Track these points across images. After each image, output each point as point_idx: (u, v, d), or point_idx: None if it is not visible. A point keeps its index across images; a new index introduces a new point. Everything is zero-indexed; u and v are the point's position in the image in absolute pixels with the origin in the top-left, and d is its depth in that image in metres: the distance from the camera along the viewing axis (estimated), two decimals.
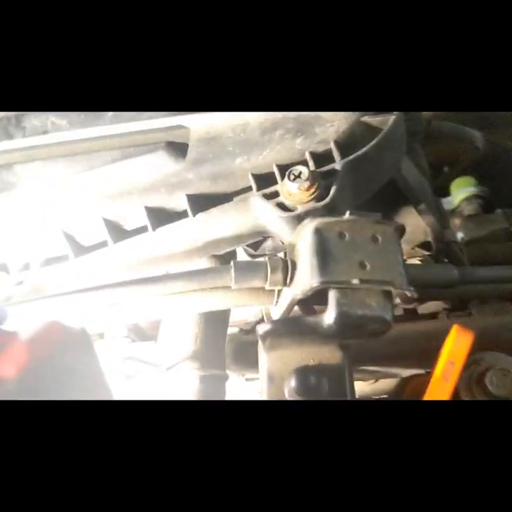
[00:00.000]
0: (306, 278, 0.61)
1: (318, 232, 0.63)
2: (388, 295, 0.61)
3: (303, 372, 0.62)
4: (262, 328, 0.63)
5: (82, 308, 0.69)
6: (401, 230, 0.64)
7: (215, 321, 0.79)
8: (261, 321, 0.85)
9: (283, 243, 0.78)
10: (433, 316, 0.88)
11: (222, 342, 0.78)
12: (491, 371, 0.70)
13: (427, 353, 0.71)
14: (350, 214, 0.63)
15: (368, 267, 0.61)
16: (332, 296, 0.60)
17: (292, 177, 0.70)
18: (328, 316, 0.60)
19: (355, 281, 0.59)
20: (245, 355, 0.81)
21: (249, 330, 0.86)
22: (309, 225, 0.64)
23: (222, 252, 0.80)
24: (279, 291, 0.72)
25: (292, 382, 0.62)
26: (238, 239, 0.79)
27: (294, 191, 0.70)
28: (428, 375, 0.68)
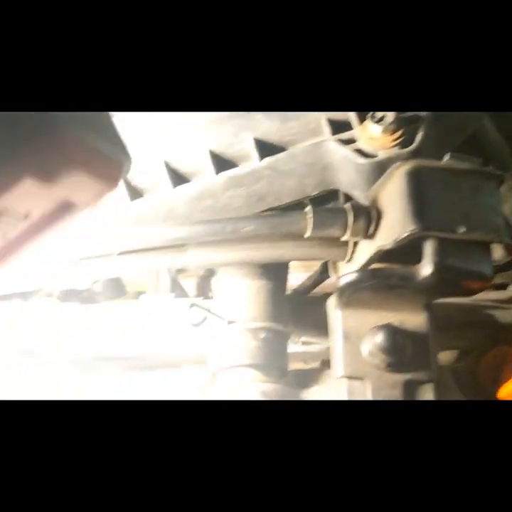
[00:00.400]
0: (400, 225, 0.55)
1: (414, 175, 0.57)
2: (488, 249, 0.55)
3: (390, 329, 0.57)
4: (346, 279, 0.57)
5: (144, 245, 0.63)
6: (501, 180, 0.58)
7: (276, 275, 0.73)
8: (322, 278, 0.79)
9: (348, 200, 0.72)
10: (502, 286, 0.83)
11: (283, 299, 0.73)
12: None
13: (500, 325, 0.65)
14: (450, 158, 0.57)
15: (471, 216, 0.55)
16: (430, 246, 0.54)
17: (375, 119, 0.64)
18: (424, 268, 0.54)
19: (462, 230, 0.53)
20: (303, 317, 0.76)
21: (305, 290, 0.81)
22: (401, 169, 0.58)
23: (282, 203, 0.74)
24: (355, 245, 0.66)
25: (378, 338, 0.57)
26: (303, 189, 0.73)
27: (377, 135, 0.64)
28: (507, 348, 0.63)
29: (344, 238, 0.62)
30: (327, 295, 0.75)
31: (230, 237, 0.63)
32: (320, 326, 0.74)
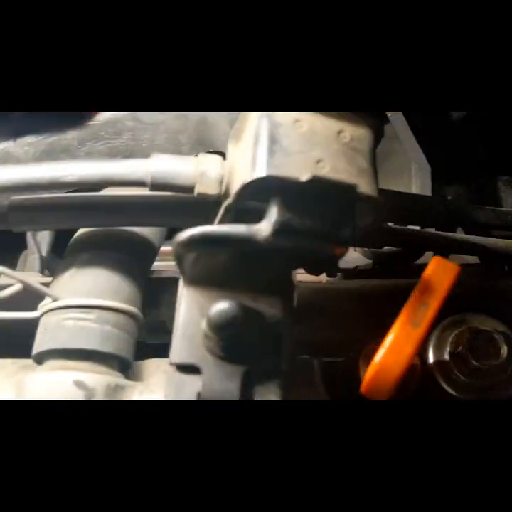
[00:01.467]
0: (245, 172, 0.45)
1: (269, 117, 0.46)
2: (349, 207, 0.45)
3: (229, 303, 0.45)
4: (177, 238, 0.46)
5: None
6: (377, 131, 0.48)
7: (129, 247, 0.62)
8: None
9: None
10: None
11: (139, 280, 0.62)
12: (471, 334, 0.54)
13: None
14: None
15: (326, 167, 0.44)
16: (273, 202, 0.43)
17: None
18: (263, 227, 0.43)
19: (306, 176, 0.42)
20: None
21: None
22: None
23: None
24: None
25: (212, 313, 0.45)
26: (177, 149, 0.63)
27: None
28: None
29: (195, 193, 0.51)
30: None
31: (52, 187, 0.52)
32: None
